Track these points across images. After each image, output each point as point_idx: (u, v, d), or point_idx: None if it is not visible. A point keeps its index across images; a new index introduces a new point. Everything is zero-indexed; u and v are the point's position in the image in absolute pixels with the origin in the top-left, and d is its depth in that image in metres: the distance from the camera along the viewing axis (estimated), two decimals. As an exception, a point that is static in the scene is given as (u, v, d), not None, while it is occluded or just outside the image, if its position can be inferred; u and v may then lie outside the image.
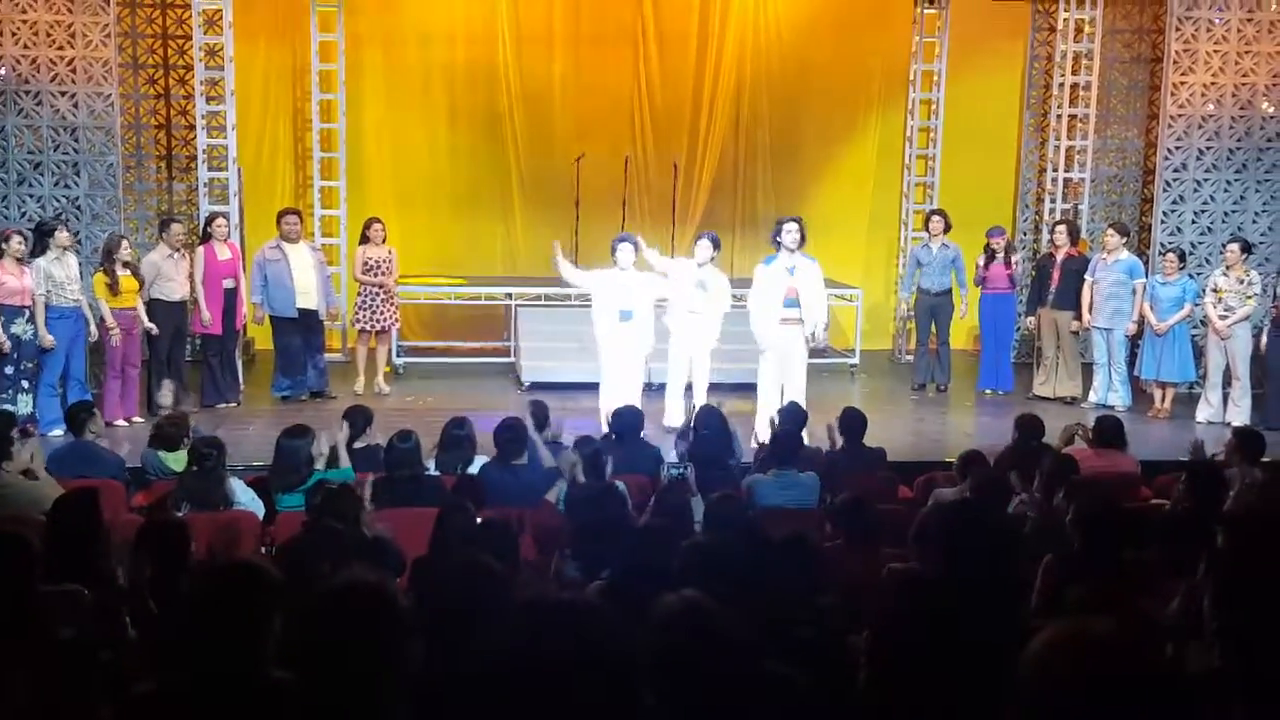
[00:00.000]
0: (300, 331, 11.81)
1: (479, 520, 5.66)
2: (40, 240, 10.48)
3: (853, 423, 8.35)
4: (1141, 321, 11.97)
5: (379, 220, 12.37)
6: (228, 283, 11.52)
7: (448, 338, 14.40)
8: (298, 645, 3.05)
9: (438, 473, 7.63)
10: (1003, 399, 12.63)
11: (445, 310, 14.36)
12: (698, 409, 8.78)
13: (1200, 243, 13.26)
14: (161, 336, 11.10)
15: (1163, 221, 13.33)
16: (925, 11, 14.62)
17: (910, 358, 13.98)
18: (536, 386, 11.98)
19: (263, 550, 6.68)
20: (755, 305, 10.68)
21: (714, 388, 10.67)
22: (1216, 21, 13.01)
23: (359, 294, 12.22)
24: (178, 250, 11.30)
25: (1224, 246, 12.05)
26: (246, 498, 7.24)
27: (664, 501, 6.28)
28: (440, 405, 11.19)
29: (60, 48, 11.83)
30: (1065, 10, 14.01)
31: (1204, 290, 11.88)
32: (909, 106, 15.00)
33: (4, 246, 10.22)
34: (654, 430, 9.74)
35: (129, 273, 10.81)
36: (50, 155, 11.98)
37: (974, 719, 3.04)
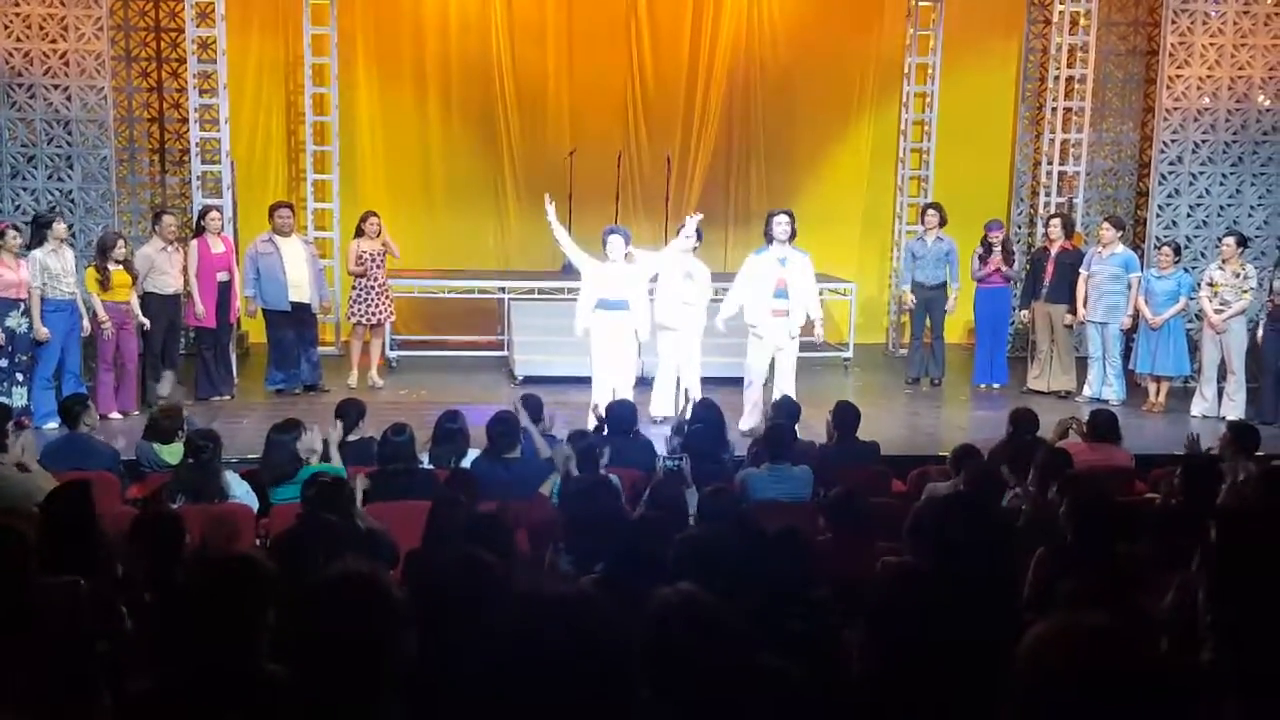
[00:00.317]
0: (293, 325, 11.81)
1: (472, 514, 5.65)
2: (37, 233, 10.48)
3: (845, 417, 8.35)
4: (1136, 315, 11.98)
5: (375, 214, 12.36)
6: (221, 276, 11.51)
7: (441, 332, 14.38)
8: (291, 637, 3.04)
9: (431, 466, 7.62)
10: (997, 393, 12.64)
11: (438, 304, 14.34)
12: (695, 402, 8.78)
13: (1196, 236, 13.27)
14: (156, 330, 11.10)
15: (1158, 215, 13.34)
16: (920, 4, 14.62)
17: (904, 351, 13.98)
18: (530, 380, 11.98)
19: (257, 543, 6.68)
20: (738, 293, 10.76)
21: (701, 382, 10.68)
22: (1212, 14, 13.01)
23: (353, 287, 12.20)
24: (171, 243, 11.29)
25: (1220, 240, 12.05)
26: (241, 490, 7.23)
27: (658, 494, 6.27)
28: (433, 399, 11.18)
29: (53, 41, 11.79)
30: (1060, 3, 14.02)
31: (1199, 284, 11.89)
32: (903, 100, 14.99)
33: (0, 241, 10.22)
34: (641, 421, 9.73)
35: (121, 267, 10.79)
36: (43, 148, 11.96)
37: (967, 713, 3.04)
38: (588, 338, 10.43)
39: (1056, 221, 12.62)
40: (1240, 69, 13.07)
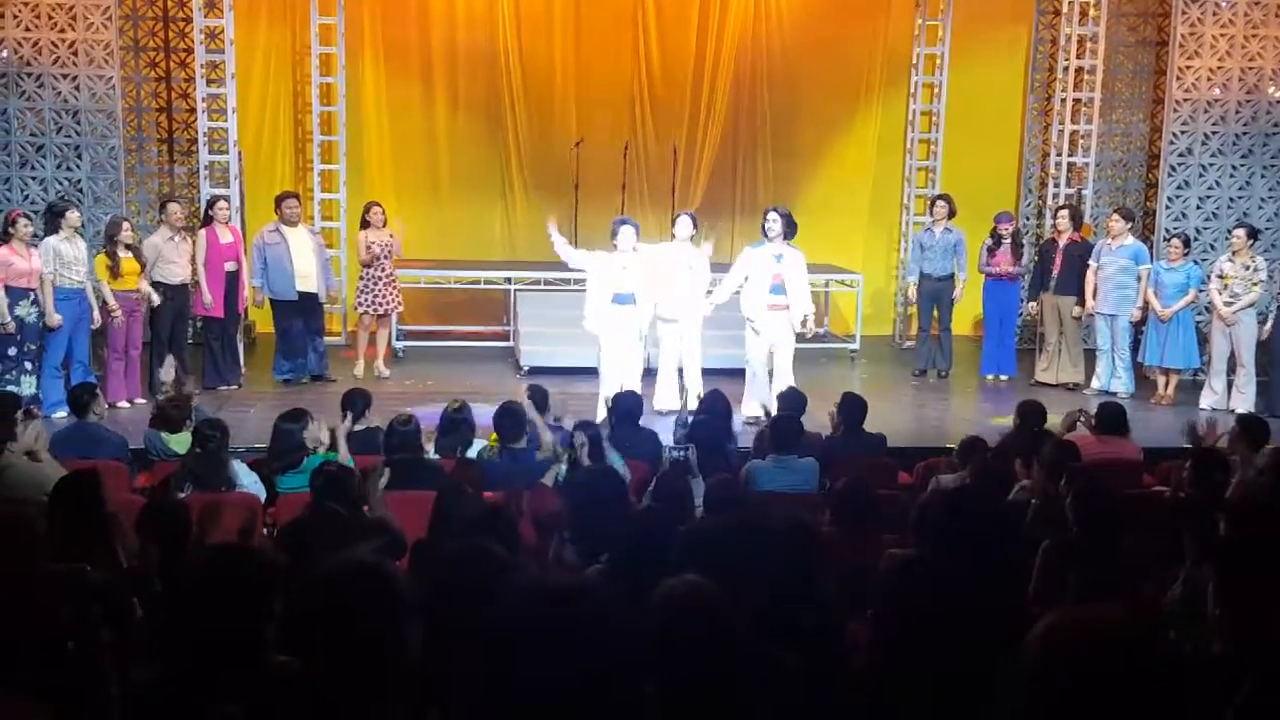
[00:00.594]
0: (300, 315, 11.82)
1: (478, 504, 5.65)
2: (51, 221, 10.51)
3: (852, 408, 8.34)
4: (1146, 308, 11.95)
5: (378, 204, 12.37)
6: (229, 265, 11.52)
7: (447, 322, 14.39)
8: (298, 627, 3.04)
9: (437, 456, 7.63)
10: (1004, 385, 12.62)
11: (445, 294, 14.35)
12: (704, 393, 8.78)
13: (1205, 228, 13.24)
14: (163, 319, 11.11)
15: (1167, 207, 13.31)
16: (928, -6, 14.59)
17: (911, 343, 13.97)
18: (535, 371, 11.98)
19: (264, 532, 6.69)
20: (732, 281, 10.82)
21: (705, 372, 10.69)
22: (1223, 5, 12.97)
23: (361, 278, 12.21)
24: (178, 233, 11.30)
25: (1230, 232, 12.02)
26: (249, 480, 7.24)
27: (664, 485, 6.27)
28: (439, 389, 11.19)
29: (61, 30, 11.81)
30: (1070, -7, 13.98)
31: (1209, 276, 11.86)
32: (911, 90, 14.95)
33: (12, 229, 10.25)
34: (648, 417, 9.74)
35: (130, 255, 10.81)
36: (52, 138, 11.98)
37: (973, 705, 3.03)
38: (599, 332, 10.44)
39: (1065, 213, 12.60)
40: (1251, 60, 13.03)
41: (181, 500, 6.08)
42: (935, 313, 12.97)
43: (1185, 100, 13.14)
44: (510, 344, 13.56)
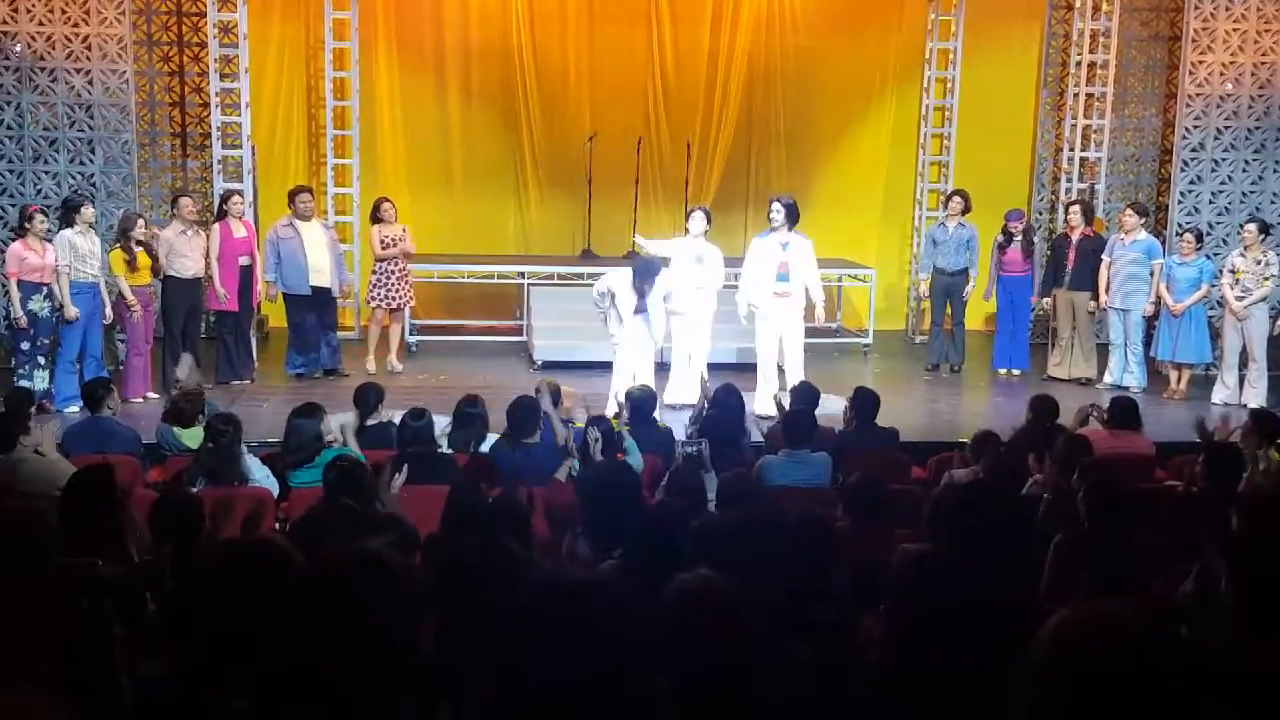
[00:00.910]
0: (313, 309, 11.84)
1: (490, 498, 5.66)
2: (66, 215, 10.55)
3: (865, 403, 8.34)
4: (1158, 302, 11.93)
5: (388, 199, 12.40)
6: (243, 260, 11.55)
7: (460, 316, 14.40)
8: (308, 619, 3.05)
9: (450, 451, 7.64)
10: (1017, 380, 12.61)
11: (458, 289, 14.35)
12: (715, 387, 8.79)
13: (1218, 223, 13.20)
14: (176, 313, 11.14)
15: (1180, 201, 13.27)
16: (941, -11, 14.56)
17: (924, 338, 13.96)
18: (548, 365, 12.00)
19: (276, 526, 6.71)
20: (746, 275, 10.85)
21: (712, 367, 10.68)
22: (1235, 0, 12.92)
23: (374, 272, 12.23)
24: (190, 227, 11.32)
25: (1242, 227, 12.00)
26: (261, 474, 7.26)
27: (677, 480, 6.28)
28: (452, 383, 11.21)
29: (75, 24, 11.83)
30: (1083, -12, 13.94)
31: (1221, 271, 11.84)
32: (924, 85, 14.93)
33: (28, 224, 10.30)
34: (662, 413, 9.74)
35: (144, 250, 10.84)
36: (65, 132, 12.01)
37: (985, 700, 3.03)
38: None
39: (1076, 208, 12.57)
40: (1263, 55, 12.98)
41: (194, 494, 6.09)
42: (948, 308, 12.95)
43: (1198, 95, 13.09)
44: (523, 339, 13.58)
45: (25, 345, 10.32)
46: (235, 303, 11.47)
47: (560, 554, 5.53)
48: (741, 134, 15.29)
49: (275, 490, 7.22)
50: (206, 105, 13.11)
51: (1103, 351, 12.54)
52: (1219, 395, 11.72)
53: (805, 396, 8.49)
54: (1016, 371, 12.83)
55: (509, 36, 14.72)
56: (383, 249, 12.09)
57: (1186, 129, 13.18)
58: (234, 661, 3.10)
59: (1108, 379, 12.21)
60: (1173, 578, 4.87)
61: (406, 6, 14.64)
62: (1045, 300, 12.86)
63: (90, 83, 11.93)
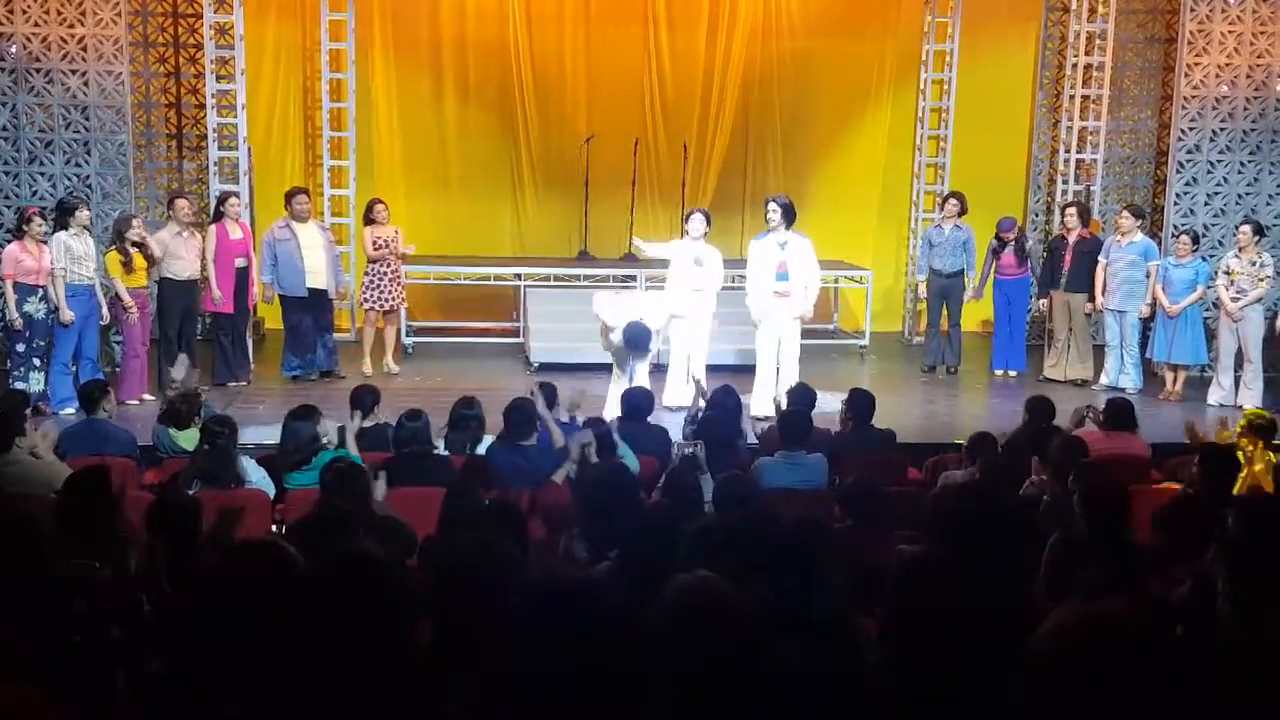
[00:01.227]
0: (310, 311, 11.84)
1: (486, 500, 5.66)
2: (61, 218, 10.54)
3: (860, 404, 8.34)
4: (1154, 303, 11.95)
5: (381, 201, 12.39)
6: (240, 262, 11.54)
7: (457, 318, 14.40)
8: (304, 621, 3.05)
9: (446, 452, 7.64)
10: (1013, 381, 12.62)
11: (454, 290, 14.35)
12: (712, 390, 8.79)
13: (1213, 225, 13.22)
14: (172, 315, 11.13)
15: (1175, 203, 13.29)
16: (938, -9, 14.57)
17: (921, 339, 13.97)
18: (545, 367, 11.99)
19: (273, 529, 6.71)
20: (750, 278, 10.86)
21: (710, 368, 10.69)
22: (1231, 2, 12.94)
23: (366, 274, 12.22)
24: (186, 228, 11.31)
25: (1237, 228, 12.01)
26: (257, 476, 7.25)
27: (673, 481, 6.28)
28: (449, 385, 11.20)
29: (71, 25, 11.82)
30: (1079, -10, 13.95)
31: (1216, 272, 11.85)
32: (920, 87, 14.94)
33: (26, 227, 10.29)
34: (658, 414, 9.73)
35: (140, 251, 10.83)
36: (61, 134, 12.00)
37: (983, 701, 3.04)
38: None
39: (1073, 210, 12.59)
40: (1259, 57, 13.00)
41: (190, 497, 6.09)
42: (945, 309, 12.97)
43: (1193, 97, 13.11)
44: (520, 340, 13.58)
45: (21, 347, 10.32)
46: (231, 304, 11.46)
47: (557, 555, 5.53)
48: (738, 136, 15.30)
49: (271, 492, 7.21)
50: (202, 107, 13.10)
51: (1099, 353, 12.55)
52: (1214, 396, 11.74)
53: (801, 398, 8.49)
54: (1013, 373, 12.84)
55: (506, 38, 14.72)
56: (375, 250, 12.08)
57: (1182, 131, 13.20)
58: (230, 664, 3.10)
59: (1104, 380, 12.23)
60: (1169, 579, 4.87)
61: (403, 8, 14.64)
62: (1042, 301, 12.88)
63: (86, 84, 11.92)
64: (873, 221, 15.55)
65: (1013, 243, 12.64)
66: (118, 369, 11.11)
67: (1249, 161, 13.19)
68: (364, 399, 8.22)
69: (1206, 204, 13.25)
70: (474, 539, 4.08)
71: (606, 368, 10.59)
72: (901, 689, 3.28)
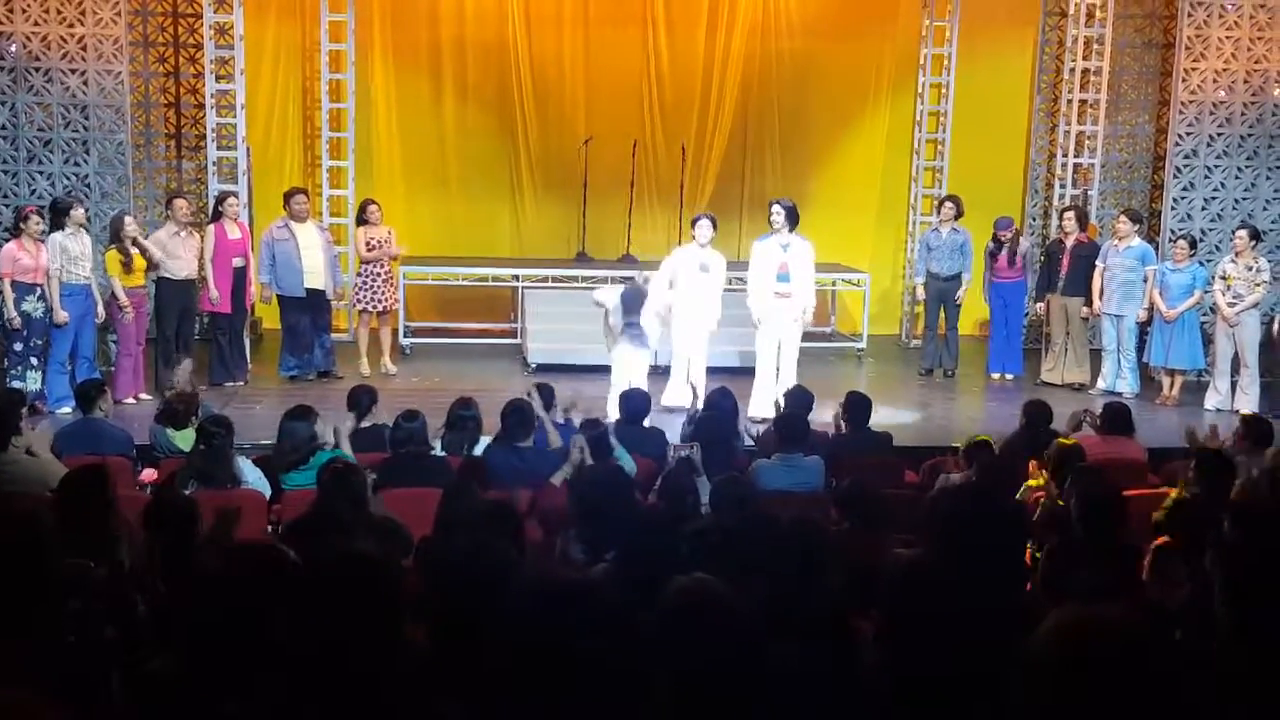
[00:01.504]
0: (308, 311, 11.84)
1: (483, 501, 5.66)
2: (56, 218, 10.53)
3: (857, 407, 8.34)
4: (1151, 308, 11.96)
5: (374, 201, 12.40)
6: (237, 261, 11.54)
7: (454, 319, 14.40)
8: (301, 621, 3.06)
9: (444, 453, 7.64)
10: (1010, 385, 12.63)
11: (452, 291, 14.35)
12: (709, 390, 8.80)
13: (1211, 229, 13.22)
14: (169, 315, 11.13)
15: (1173, 208, 13.29)
16: (936, -5, 14.58)
17: (918, 343, 13.97)
18: (543, 368, 11.99)
19: (268, 529, 6.71)
20: (752, 279, 10.87)
21: (711, 370, 10.69)
22: (1229, 7, 12.94)
23: (359, 275, 12.22)
24: (184, 228, 11.31)
25: (1233, 233, 12.02)
26: (254, 476, 7.24)
27: (669, 483, 6.28)
28: (446, 386, 11.20)
29: (70, 25, 11.82)
30: (1077, -5, 13.96)
31: (1213, 277, 11.86)
32: (918, 91, 14.95)
33: (23, 225, 10.29)
34: (659, 417, 9.72)
35: (138, 250, 10.83)
36: (60, 133, 11.99)
37: (979, 702, 3.04)
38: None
39: (1071, 214, 12.60)
40: (1257, 62, 13.01)
41: (187, 496, 6.08)
42: (942, 312, 12.98)
43: (1191, 102, 13.12)
44: (518, 341, 13.58)
45: (18, 346, 10.32)
46: (228, 304, 11.46)
47: (554, 557, 5.53)
48: (736, 138, 15.31)
49: (268, 492, 7.21)
50: (202, 106, 13.09)
51: (1096, 357, 12.56)
52: (1211, 401, 11.75)
53: (798, 400, 8.49)
54: (1010, 376, 12.85)
55: (505, 39, 14.73)
56: (369, 251, 12.08)
57: (1179, 136, 13.21)
58: (228, 664, 3.10)
59: (1101, 384, 12.24)
60: (1168, 583, 4.88)
61: (402, 9, 14.64)
62: (1039, 305, 12.89)
63: (85, 83, 11.91)
64: (870, 225, 15.56)
65: (1009, 242, 12.65)
66: (114, 368, 11.10)
67: (1246, 166, 13.19)
68: (361, 399, 8.22)
69: (1204, 209, 13.26)
70: (470, 540, 4.09)
71: (605, 369, 10.58)
72: (898, 691, 3.28)
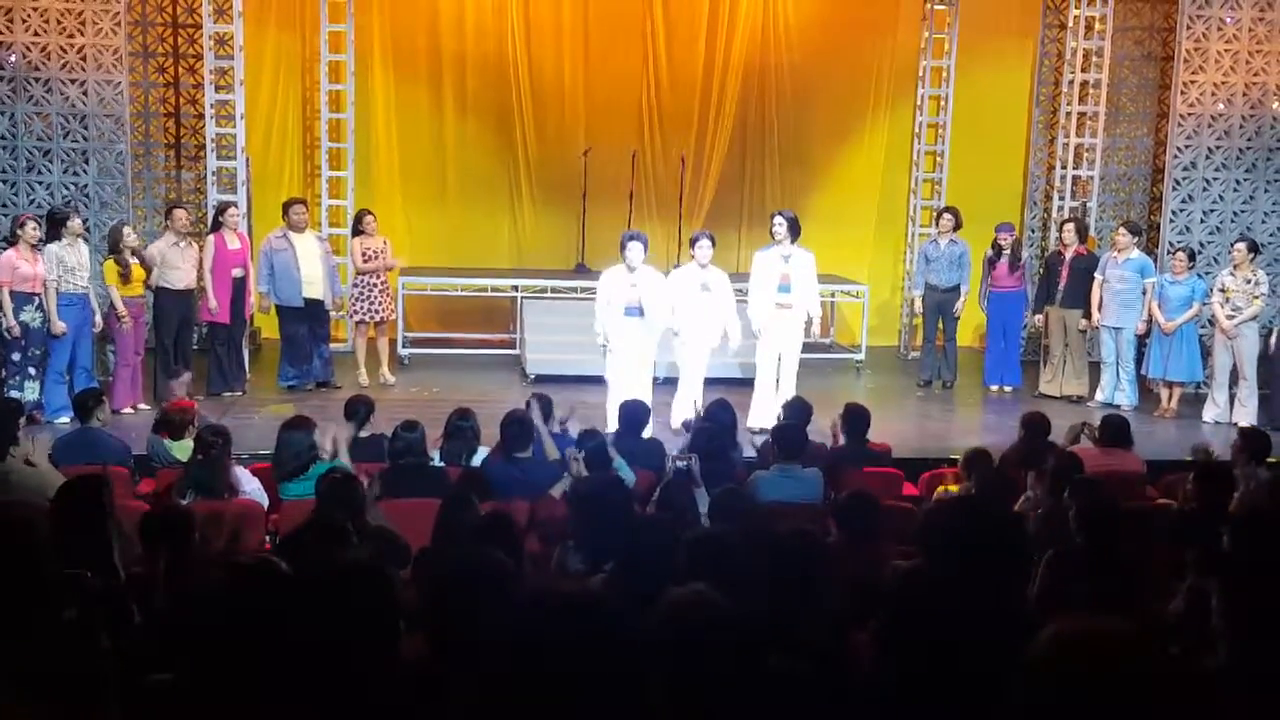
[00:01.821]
0: (306, 321, 11.84)
1: (482, 512, 5.65)
2: (53, 228, 10.53)
3: (855, 419, 8.34)
4: (1150, 321, 11.96)
5: (370, 212, 12.41)
6: (237, 272, 11.54)
7: (453, 329, 14.41)
8: (298, 629, 3.05)
9: (442, 463, 7.63)
10: (1009, 397, 12.63)
11: (451, 302, 14.35)
12: (708, 402, 8.78)
13: (1209, 242, 13.23)
14: (168, 325, 11.13)
15: (1171, 220, 13.30)
16: (935, 7, 14.60)
17: (916, 354, 13.98)
18: (541, 379, 11.99)
19: (266, 539, 6.70)
20: (753, 290, 10.84)
21: (712, 381, 10.66)
22: (1228, 20, 12.96)
23: (355, 285, 12.22)
24: (183, 238, 11.31)
25: (1232, 246, 12.03)
26: (251, 486, 7.24)
27: (667, 494, 6.27)
28: (445, 396, 11.20)
29: (70, 35, 11.83)
30: (1076, 7, 13.97)
31: (1212, 290, 11.86)
32: (918, 102, 14.97)
33: (19, 233, 10.29)
34: (663, 433, 9.68)
35: (137, 260, 10.83)
36: (60, 143, 11.99)
37: (977, 714, 3.03)
38: (607, 343, 10.40)
39: (1070, 226, 12.61)
40: (1255, 75, 13.03)
41: (184, 507, 6.08)
42: (940, 324, 12.98)
43: (1189, 115, 13.13)
44: (516, 351, 13.58)
45: (16, 356, 10.31)
46: (227, 314, 11.45)
47: (551, 568, 5.52)
48: (735, 150, 15.33)
49: (265, 503, 7.21)
50: (201, 117, 13.10)
51: (1094, 369, 12.57)
52: (1210, 414, 11.75)
53: (797, 412, 8.48)
54: (1008, 388, 12.85)
55: (504, 50, 14.75)
56: (365, 262, 12.08)
57: (1178, 148, 13.22)
58: (230, 676, 3.10)
59: (1099, 397, 12.24)
60: (1163, 595, 4.88)
61: (402, 20, 14.67)
62: (1037, 317, 12.89)
63: (85, 93, 11.91)
64: (869, 236, 15.59)
65: (1008, 252, 12.65)
66: (111, 378, 11.09)
67: (1245, 179, 13.20)
68: (358, 409, 8.21)
69: (1202, 221, 13.26)
70: (468, 551, 4.08)
71: (602, 379, 10.56)
72: (895, 703, 3.27)
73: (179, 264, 11.19)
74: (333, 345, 12.55)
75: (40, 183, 12.02)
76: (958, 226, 12.88)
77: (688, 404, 10.37)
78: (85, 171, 12.05)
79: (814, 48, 15.15)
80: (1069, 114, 14.18)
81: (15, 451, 7.16)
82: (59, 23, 11.80)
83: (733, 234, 14.87)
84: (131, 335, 10.82)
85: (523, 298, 13.71)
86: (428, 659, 3.59)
